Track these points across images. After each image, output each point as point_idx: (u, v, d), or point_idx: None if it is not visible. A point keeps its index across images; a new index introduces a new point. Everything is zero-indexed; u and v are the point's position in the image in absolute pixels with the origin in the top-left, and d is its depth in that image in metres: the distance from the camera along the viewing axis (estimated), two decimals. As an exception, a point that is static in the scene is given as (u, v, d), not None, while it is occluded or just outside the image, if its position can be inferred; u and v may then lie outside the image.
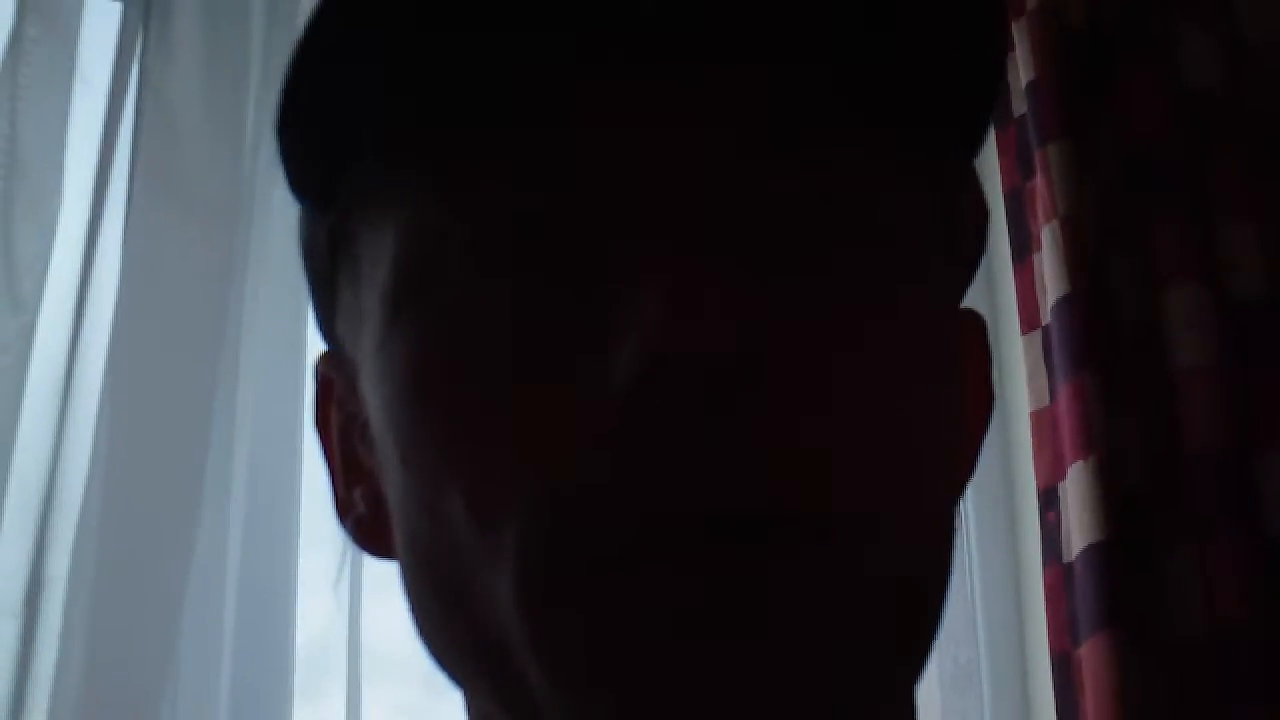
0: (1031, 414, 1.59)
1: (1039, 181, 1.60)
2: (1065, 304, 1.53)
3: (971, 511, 1.70)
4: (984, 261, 1.72)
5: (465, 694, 0.49)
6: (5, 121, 1.43)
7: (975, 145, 0.50)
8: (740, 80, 0.44)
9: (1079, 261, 1.54)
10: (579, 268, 0.43)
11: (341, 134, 0.46)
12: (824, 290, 0.43)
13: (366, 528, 0.51)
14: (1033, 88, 1.64)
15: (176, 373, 1.44)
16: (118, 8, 1.57)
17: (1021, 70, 1.66)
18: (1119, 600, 1.40)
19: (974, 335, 0.55)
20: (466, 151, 0.44)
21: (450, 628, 0.45)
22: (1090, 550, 1.43)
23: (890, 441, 0.43)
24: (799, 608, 0.40)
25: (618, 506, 0.40)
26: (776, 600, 0.40)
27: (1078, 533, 1.45)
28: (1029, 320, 1.63)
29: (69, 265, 1.42)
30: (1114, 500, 1.44)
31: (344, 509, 0.53)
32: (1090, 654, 1.40)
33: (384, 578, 1.36)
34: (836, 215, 0.44)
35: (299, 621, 1.49)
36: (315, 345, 0.57)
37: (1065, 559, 1.49)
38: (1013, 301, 1.66)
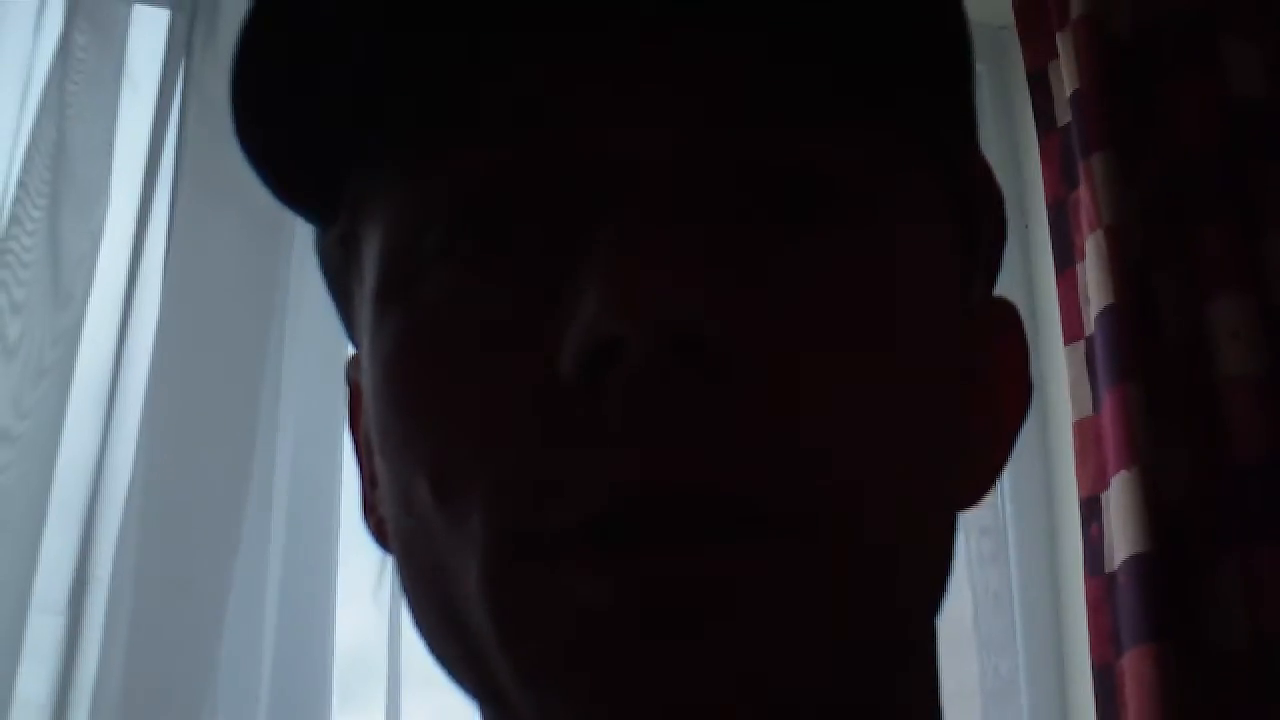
0: (1074, 424, 1.58)
1: (1083, 191, 1.60)
2: (1109, 314, 1.52)
3: (1011, 521, 1.69)
4: (1026, 271, 1.71)
5: (472, 698, 0.48)
6: (54, 125, 1.44)
7: (967, 127, 0.49)
8: (710, 54, 0.43)
9: (1123, 271, 1.53)
10: (547, 247, 0.42)
11: (324, 144, 0.46)
12: (796, 270, 0.42)
13: (384, 528, 0.51)
14: (1077, 97, 1.63)
15: (221, 375, 1.44)
16: (165, 14, 1.58)
17: (1066, 79, 1.66)
18: (1162, 612, 1.39)
19: (1004, 325, 0.54)
20: (441, 138, 0.44)
21: (433, 619, 0.45)
22: (1133, 561, 1.42)
23: (861, 430, 0.41)
24: (762, 605, 0.39)
25: (572, 492, 0.39)
26: (741, 597, 0.39)
27: (1120, 543, 1.44)
28: (1071, 331, 1.62)
29: (116, 266, 1.43)
30: (1157, 511, 1.43)
31: (368, 510, 0.53)
32: (1133, 665, 1.39)
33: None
34: (809, 191, 0.43)
35: (339, 628, 1.49)
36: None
37: (1108, 570, 1.48)
38: (1055, 312, 1.65)
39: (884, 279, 0.43)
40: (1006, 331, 0.54)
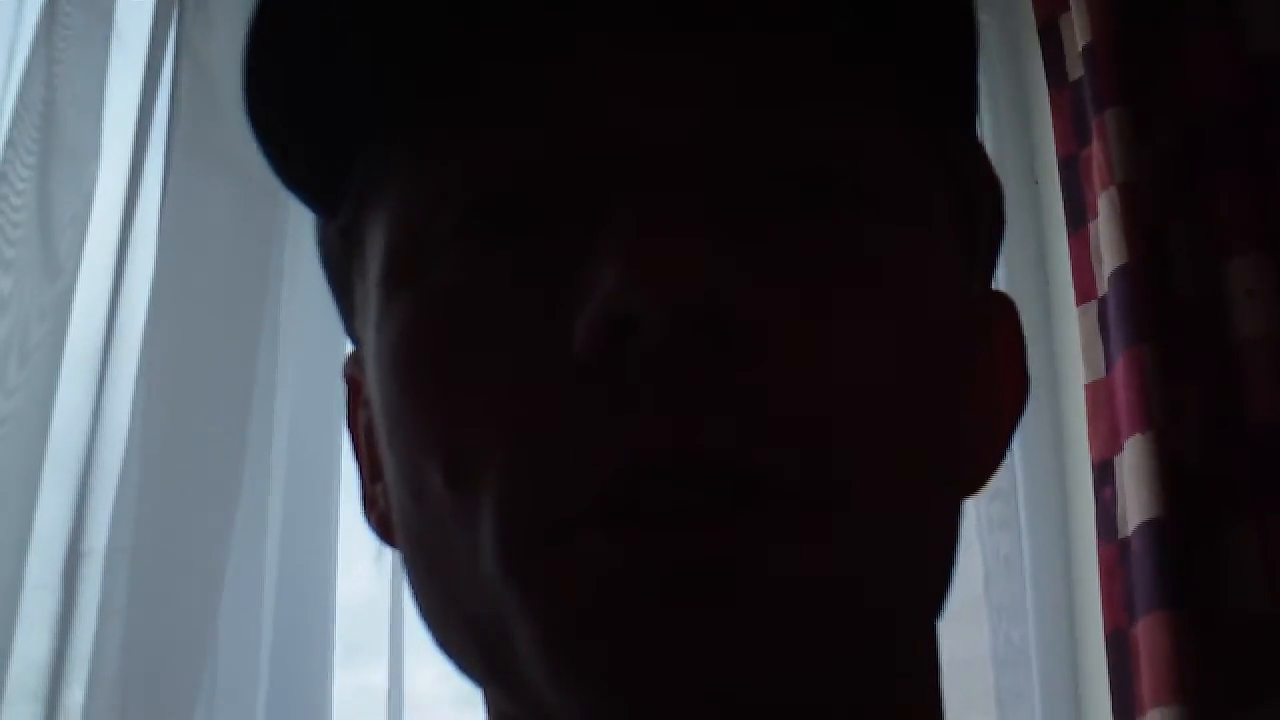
0: (1086, 386, 1.56)
1: (1095, 148, 1.58)
2: (1123, 274, 1.50)
3: (1023, 486, 1.68)
4: (1037, 230, 1.68)
5: (479, 686, 0.48)
6: (42, 85, 1.42)
7: (968, 118, 0.50)
8: (738, 40, 0.44)
9: (1137, 230, 1.51)
10: (560, 230, 0.43)
11: (334, 132, 0.46)
12: (804, 255, 0.43)
13: (387, 522, 0.52)
14: (1089, 51, 1.61)
15: (216, 340, 1.43)
16: (154, -30, 1.55)
17: (1078, 33, 1.63)
18: (1176, 577, 1.38)
19: (1002, 318, 0.54)
20: (453, 125, 0.45)
21: (442, 607, 0.45)
22: (1147, 526, 1.41)
23: (866, 411, 0.42)
24: (766, 580, 0.40)
25: (582, 470, 0.40)
26: (744, 571, 0.39)
27: (1134, 508, 1.43)
28: (1084, 291, 1.60)
29: (107, 231, 1.42)
30: (1171, 474, 1.42)
31: (369, 505, 0.54)
32: (1147, 632, 1.38)
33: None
34: (834, 177, 0.44)
35: (341, 594, 1.48)
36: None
37: (1121, 535, 1.46)
38: (1067, 272, 1.63)
39: (889, 270, 0.44)
40: (1004, 325, 0.54)
